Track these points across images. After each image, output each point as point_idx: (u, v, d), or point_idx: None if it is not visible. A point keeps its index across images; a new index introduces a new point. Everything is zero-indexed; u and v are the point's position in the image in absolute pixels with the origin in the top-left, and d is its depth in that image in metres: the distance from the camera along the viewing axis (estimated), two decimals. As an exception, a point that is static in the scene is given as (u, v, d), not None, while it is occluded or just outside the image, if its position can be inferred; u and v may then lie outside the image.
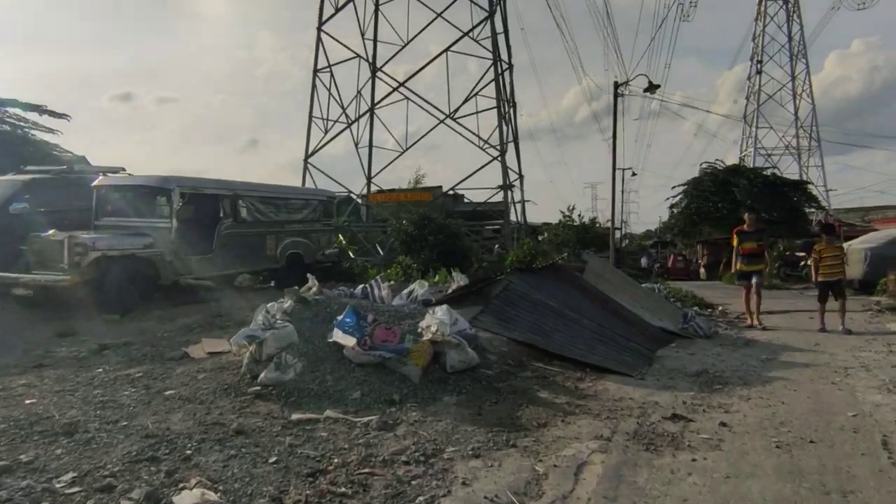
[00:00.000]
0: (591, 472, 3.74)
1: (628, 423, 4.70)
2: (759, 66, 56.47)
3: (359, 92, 35.08)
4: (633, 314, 8.60)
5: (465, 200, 40.80)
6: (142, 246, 9.68)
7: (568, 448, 4.11)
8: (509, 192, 32.08)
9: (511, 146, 34.62)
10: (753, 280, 10.30)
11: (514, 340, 6.62)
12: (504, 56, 33.57)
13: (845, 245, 17.90)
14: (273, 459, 3.84)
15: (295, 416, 4.64)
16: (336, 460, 3.84)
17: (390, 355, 5.51)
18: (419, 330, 6.14)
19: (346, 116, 33.13)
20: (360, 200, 34.81)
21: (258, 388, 5.26)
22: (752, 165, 39.17)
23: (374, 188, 37.58)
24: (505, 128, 30.70)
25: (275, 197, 12.80)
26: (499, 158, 29.28)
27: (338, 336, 5.59)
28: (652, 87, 12.54)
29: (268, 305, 6.11)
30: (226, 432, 4.36)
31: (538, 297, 7.48)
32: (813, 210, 31.86)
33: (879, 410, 5.08)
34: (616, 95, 12.43)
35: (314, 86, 32.27)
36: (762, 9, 56.94)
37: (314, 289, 7.24)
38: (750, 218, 10.92)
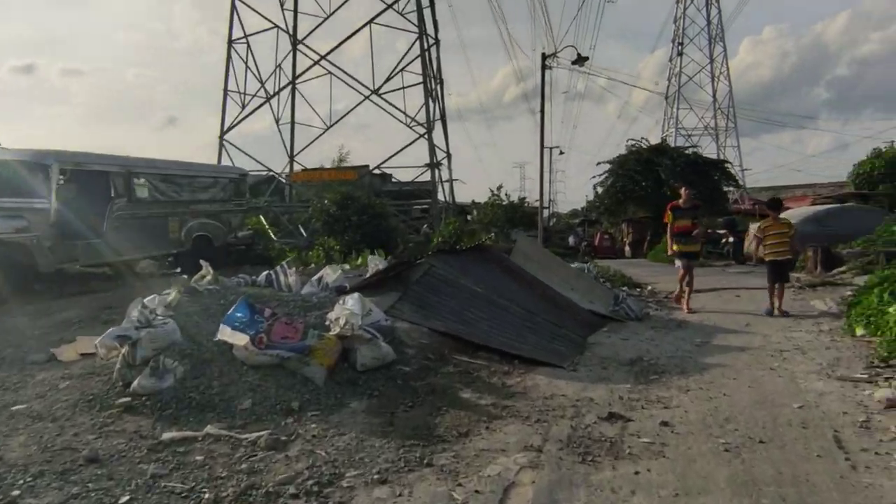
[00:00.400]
0: (519, 496, 3.13)
1: (561, 427, 4.13)
2: (679, 48, 57.73)
3: (278, 65, 33.42)
4: (564, 297, 8.11)
5: (393, 180, 39.91)
6: (12, 230, 8.46)
7: (493, 464, 3.49)
8: (437, 171, 31.45)
9: (439, 124, 34.03)
10: (687, 261, 9.38)
11: (435, 331, 5.96)
12: (431, 31, 32.71)
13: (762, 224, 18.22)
14: (125, 500, 3.05)
15: (167, 436, 3.83)
16: (207, 496, 3.08)
17: (290, 354, 4.74)
18: (327, 323, 5.40)
19: (265, 91, 31.50)
20: (283, 180, 33.28)
21: (128, 399, 4.40)
22: (673, 145, 39.95)
23: (298, 168, 36.18)
24: (432, 105, 29.94)
25: (177, 174, 11.64)
26: (425, 136, 28.50)
27: (225, 334, 4.77)
28: (580, 60, 12.13)
29: (146, 299, 5.20)
30: (75, 460, 3.53)
31: (463, 281, 6.85)
32: (731, 189, 32.69)
33: (824, 400, 4.72)
34: (544, 67, 11.96)
35: (229, 57, 30.46)
36: (684, -9, 58.09)
37: (208, 277, 6.35)
38: (686, 193, 9.78)
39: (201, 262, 6.66)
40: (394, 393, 4.74)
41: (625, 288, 11.42)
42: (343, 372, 4.91)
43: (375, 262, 8.42)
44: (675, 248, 9.40)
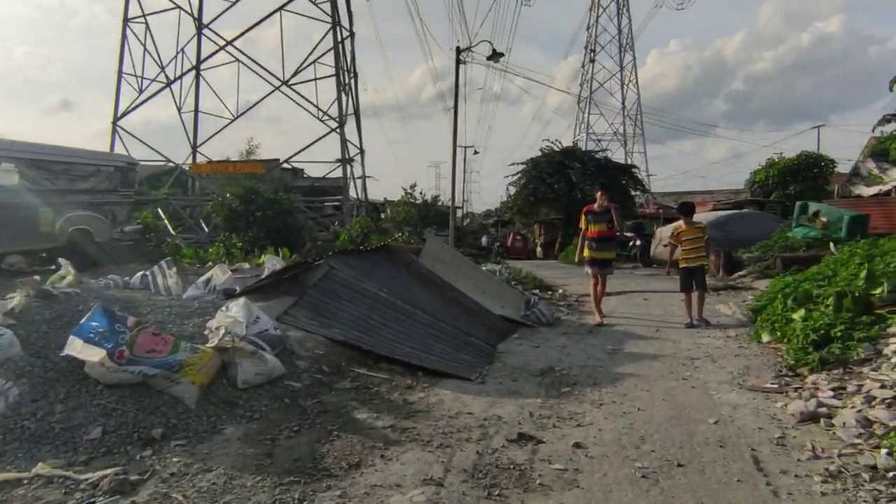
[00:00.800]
0: (413, 548, 2.65)
1: (466, 453, 3.68)
2: (592, 54, 59.30)
3: (181, 50, 31.57)
4: (474, 302, 7.73)
5: (305, 175, 38.71)
6: None
7: (385, 505, 3.00)
8: (349, 168, 30.63)
9: (352, 119, 33.19)
10: (599, 269, 8.69)
11: (333, 340, 5.40)
12: (345, 23, 31.83)
13: (671, 226, 18.74)
14: None
15: (-19, 478, 3.09)
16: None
17: (156, 371, 4.06)
18: (206, 332, 4.73)
19: (166, 76, 29.61)
20: (185, 171, 31.39)
21: (-56, 428, 3.59)
22: (585, 149, 40.89)
23: (202, 160, 34.36)
24: (345, 99, 29.09)
25: (51, 160, 10.43)
26: (337, 130, 27.65)
27: (76, 347, 4.02)
28: (495, 56, 11.87)
29: (-20, 305, 4.36)
30: None
31: (366, 285, 6.31)
32: (638, 193, 33.71)
33: (738, 414, 4.52)
34: (458, 62, 11.61)
35: (124, 36, 28.38)
36: (596, 0, 59.75)
37: (68, 278, 5.50)
38: (601, 196, 8.83)
39: (60, 260, 5.77)
40: (279, 415, 4.15)
41: (536, 291, 11.23)
42: (221, 390, 4.27)
43: (273, 263, 7.73)
44: (585, 253, 8.67)
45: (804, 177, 26.97)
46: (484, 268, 20.68)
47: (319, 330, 5.46)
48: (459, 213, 77.82)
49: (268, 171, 30.27)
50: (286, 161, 30.36)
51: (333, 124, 28.31)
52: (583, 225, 8.73)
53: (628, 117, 58.08)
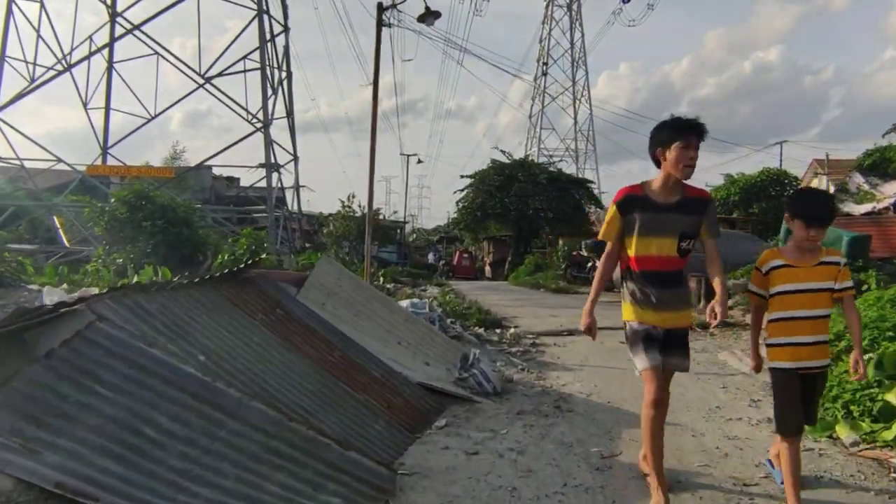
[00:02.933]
0: None
1: None
2: (544, 68, 57.78)
3: (90, 37, 27.96)
4: (380, 364, 4.94)
5: (242, 185, 35.50)
6: None
7: None
8: (278, 175, 27.54)
9: (284, 123, 30.15)
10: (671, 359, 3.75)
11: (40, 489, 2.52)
12: (278, 16, 28.86)
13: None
14: None
15: None
16: None
17: None
18: None
19: (65, 63, 25.85)
20: (81, 172, 27.57)
21: None
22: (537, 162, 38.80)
23: (115, 164, 30.67)
24: (273, 97, 26.06)
25: None
26: (262, 131, 24.56)
27: None
28: (429, 15, 9.48)
29: None
30: None
31: (161, 352, 3.43)
32: (593, 209, 31.66)
33: None
34: (380, 22, 9.11)
35: (10, 12, 24.46)
36: (549, 13, 58.37)
37: None
38: (684, 150, 3.23)
39: None
40: None
41: (481, 330, 8.52)
42: None
43: (52, 295, 4.80)
44: (628, 312, 3.54)
45: (767, 195, 25.29)
46: (425, 291, 17.96)
47: (18, 461, 2.58)
48: (407, 228, 75.13)
49: (177, 175, 26.82)
50: (201, 164, 27.01)
51: (259, 125, 25.18)
52: (611, 234, 3.48)
53: (580, 133, 56.64)
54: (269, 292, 4.95)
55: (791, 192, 25.55)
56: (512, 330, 8.63)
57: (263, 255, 8.10)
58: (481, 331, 8.47)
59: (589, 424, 4.68)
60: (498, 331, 8.75)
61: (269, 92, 26.04)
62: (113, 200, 15.46)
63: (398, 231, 61.84)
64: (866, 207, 14.83)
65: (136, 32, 27.17)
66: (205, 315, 4.00)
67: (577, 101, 56.85)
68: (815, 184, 36.90)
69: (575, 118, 56.85)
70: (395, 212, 44.96)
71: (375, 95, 7.33)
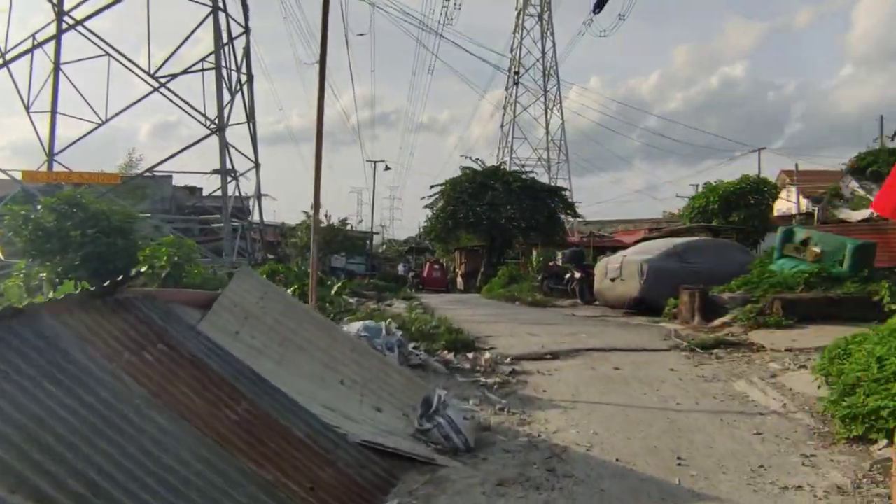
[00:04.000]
0: None
1: None
2: (515, 77, 57.01)
3: (32, 36, 26.11)
4: (308, 419, 3.56)
5: (206, 194, 33.79)
6: None
7: None
8: (237, 183, 25.96)
9: (243, 128, 28.57)
10: None
11: None
12: (239, 17, 27.37)
13: (619, 256, 15.37)
14: None
15: None
16: None
17: None
18: None
19: (3, 59, 23.95)
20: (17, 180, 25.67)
21: None
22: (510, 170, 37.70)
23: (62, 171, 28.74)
24: (228, 99, 24.52)
25: None
26: (217, 134, 23.00)
27: None
28: None
29: None
30: None
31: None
32: (569, 218, 30.59)
33: None
34: None
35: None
36: (520, 22, 57.70)
37: None
38: None
39: None
40: None
41: (451, 355, 7.18)
42: None
43: None
44: None
45: (746, 203, 24.46)
46: (391, 305, 16.55)
47: None
48: (377, 239, 73.58)
49: (124, 181, 25.08)
50: (150, 170, 25.31)
51: (219, 129, 23.61)
52: None
53: (552, 142, 55.85)
54: (152, 319, 3.55)
55: (769, 198, 24.86)
56: (487, 354, 7.30)
57: (205, 269, 6.75)
58: (451, 356, 7.14)
59: (597, 500, 3.37)
60: (471, 355, 7.42)
61: (228, 95, 24.58)
62: (39, 207, 13.83)
63: (368, 242, 60.33)
64: (864, 213, 13.95)
65: (84, 31, 25.48)
66: (20, 360, 2.60)
67: (549, 111, 56.14)
68: (784, 194, 36.52)
69: (547, 128, 56.11)
70: (361, 220, 43.21)
71: (323, 71, 5.98)
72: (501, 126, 56.81)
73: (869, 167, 15.09)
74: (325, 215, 35.67)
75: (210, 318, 4.09)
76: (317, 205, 6.62)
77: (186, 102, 22.86)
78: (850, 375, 4.74)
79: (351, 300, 15.89)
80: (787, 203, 35.96)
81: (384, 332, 5.98)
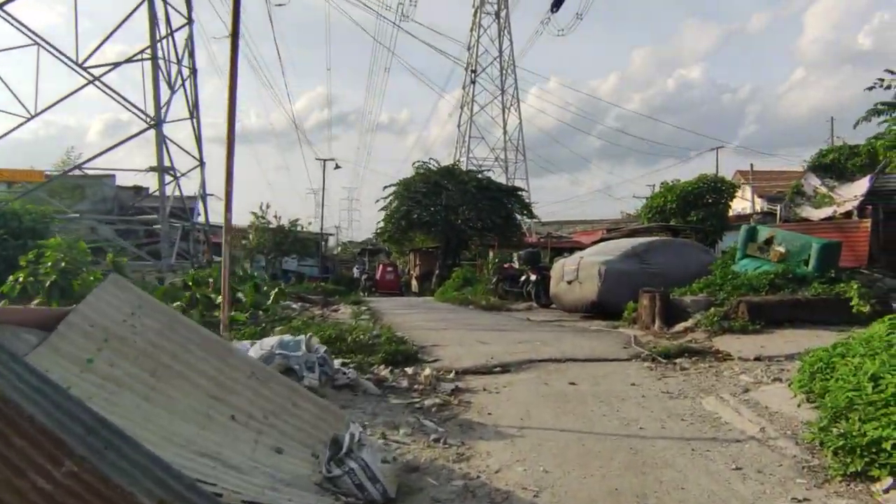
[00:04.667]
0: None
1: None
2: (473, 75, 56.50)
3: (-49, 25, 24.23)
4: (166, 476, 2.66)
5: (154, 193, 32.14)
6: None
7: None
8: (177, 182, 24.58)
9: (187, 124, 27.17)
10: None
11: None
12: (180, 6, 25.95)
13: (576, 257, 14.71)
14: None
15: None
16: None
17: None
18: None
19: None
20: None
21: None
22: (466, 169, 36.97)
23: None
24: (166, 92, 23.17)
25: None
26: (154, 128, 21.66)
27: None
28: None
29: None
30: None
31: None
32: (525, 218, 30.03)
33: None
34: None
35: None
36: (477, 20, 57.24)
37: None
38: None
39: None
40: None
41: (386, 371, 6.34)
42: None
43: None
44: None
45: (704, 202, 24.25)
46: (336, 311, 15.58)
47: None
48: (334, 241, 72.01)
49: (50, 180, 23.52)
50: (79, 167, 23.79)
51: (155, 123, 22.25)
52: None
53: (510, 142, 55.49)
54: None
55: (727, 197, 24.68)
56: (427, 370, 6.45)
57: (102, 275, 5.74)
58: (387, 372, 6.31)
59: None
60: (410, 370, 6.58)
61: (168, 90, 23.23)
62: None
63: (323, 243, 58.89)
64: (826, 212, 13.64)
65: (8, 18, 23.74)
66: None
67: (507, 110, 55.77)
68: (739, 194, 36.80)
69: (504, 127, 55.75)
70: (311, 222, 41.57)
71: (235, 43, 5.06)
72: (458, 125, 56.26)
73: (831, 164, 14.81)
74: (275, 216, 34.40)
75: (52, 342, 3.17)
76: (228, 202, 5.70)
77: (121, 96, 21.44)
78: (839, 396, 4.08)
79: (295, 306, 14.91)
80: (742, 202, 36.25)
81: (304, 347, 5.09)
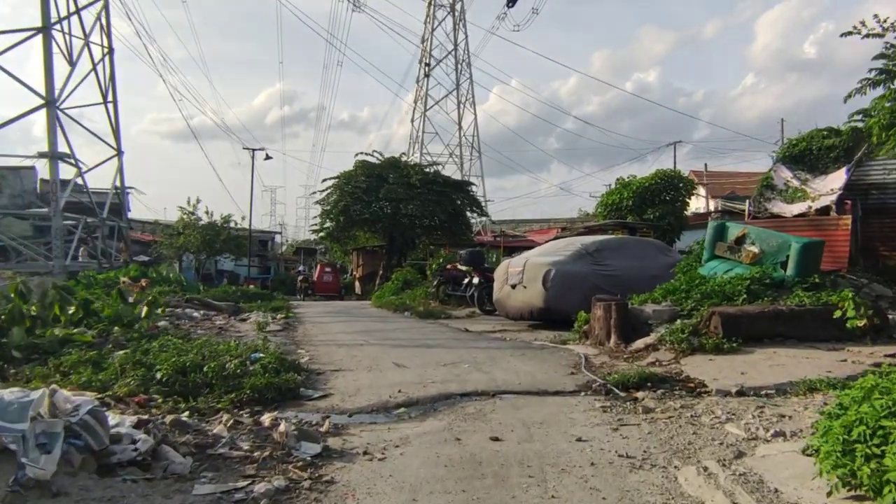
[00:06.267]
0: None
1: None
2: (427, 69, 54.62)
3: None
4: None
5: (82, 188, 29.34)
6: None
7: None
8: (79, 171, 22.01)
9: (97, 108, 24.56)
10: None
11: None
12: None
13: (522, 258, 12.94)
14: None
15: None
16: None
17: None
18: None
19: None
20: None
21: None
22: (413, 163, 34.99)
23: None
24: (72, 70, 20.64)
25: None
26: (46, 109, 19.13)
27: None
28: None
29: None
30: None
31: None
32: (475, 216, 28.25)
33: None
34: None
35: None
36: (431, 12, 55.34)
37: None
38: None
39: None
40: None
41: (229, 423, 4.37)
42: None
43: None
44: None
45: (661, 199, 22.84)
46: (245, 321, 13.43)
47: None
48: (278, 239, 69.13)
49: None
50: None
51: (48, 103, 19.70)
52: None
53: (465, 138, 53.75)
54: None
55: (684, 193, 23.35)
56: (282, 426, 4.45)
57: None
58: (227, 425, 4.33)
59: None
60: (267, 420, 4.61)
61: (67, 66, 20.69)
62: None
63: (269, 242, 56.10)
64: (800, 207, 12.21)
65: None
66: None
67: (462, 105, 54.02)
68: (695, 192, 35.97)
69: (459, 122, 53.98)
70: (244, 218, 38.28)
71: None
72: (412, 121, 54.37)
73: (802, 154, 13.40)
74: (206, 212, 31.78)
75: None
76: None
77: (8, 72, 18.85)
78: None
79: (196, 314, 12.73)
80: (696, 202, 35.42)
81: (42, 411, 3.10)
